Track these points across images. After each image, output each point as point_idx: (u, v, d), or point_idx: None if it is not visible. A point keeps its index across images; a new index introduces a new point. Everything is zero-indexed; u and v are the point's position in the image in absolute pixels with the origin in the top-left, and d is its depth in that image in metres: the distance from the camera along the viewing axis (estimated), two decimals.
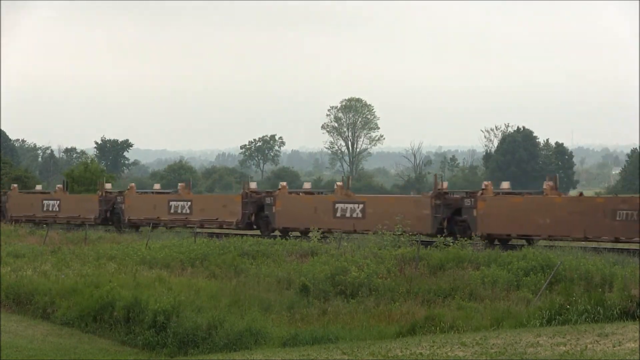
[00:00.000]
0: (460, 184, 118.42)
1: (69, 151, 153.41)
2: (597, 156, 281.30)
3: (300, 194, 45.01)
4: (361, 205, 40.23)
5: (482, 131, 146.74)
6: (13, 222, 53.19)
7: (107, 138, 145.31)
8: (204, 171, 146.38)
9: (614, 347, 14.29)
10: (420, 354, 15.30)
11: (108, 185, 53.49)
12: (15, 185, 57.47)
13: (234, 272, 29.30)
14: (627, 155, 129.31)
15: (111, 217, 51.35)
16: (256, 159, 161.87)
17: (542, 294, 23.32)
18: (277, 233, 42.91)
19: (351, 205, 40.55)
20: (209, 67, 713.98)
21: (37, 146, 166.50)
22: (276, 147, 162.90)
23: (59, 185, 56.58)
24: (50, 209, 54.34)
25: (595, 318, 18.68)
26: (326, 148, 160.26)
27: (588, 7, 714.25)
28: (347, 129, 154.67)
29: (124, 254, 33.46)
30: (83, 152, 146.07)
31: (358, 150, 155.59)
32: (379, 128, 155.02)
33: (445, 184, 39.24)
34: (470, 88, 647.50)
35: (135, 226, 50.04)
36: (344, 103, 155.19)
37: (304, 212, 41.96)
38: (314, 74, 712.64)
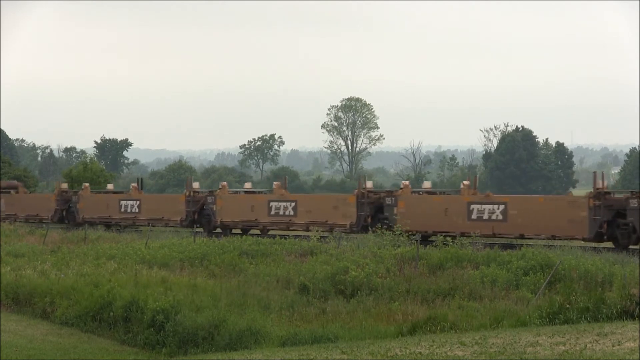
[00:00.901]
0: (460, 183, 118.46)
1: (69, 151, 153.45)
2: (596, 156, 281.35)
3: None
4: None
5: (482, 131, 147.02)
6: (86, 225, 48.78)
7: (107, 137, 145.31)
8: (204, 171, 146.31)
9: (613, 346, 14.29)
10: (420, 353, 15.30)
11: (196, 185, 49.27)
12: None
13: (234, 272, 29.31)
14: (627, 154, 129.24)
15: (199, 219, 46.88)
16: (255, 158, 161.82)
17: (541, 294, 23.32)
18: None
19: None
20: (208, 67, 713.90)
21: (37, 146, 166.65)
22: (275, 147, 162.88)
23: (133, 184, 52.15)
24: (129, 210, 50.36)
25: (595, 317, 18.69)
26: (325, 147, 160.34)
27: (588, 7, 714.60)
28: (347, 129, 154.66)
29: (123, 253, 33.47)
30: (82, 152, 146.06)
31: (357, 149, 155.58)
32: (378, 128, 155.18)
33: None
34: (470, 88, 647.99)
35: (226, 229, 45.48)
36: (343, 102, 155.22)
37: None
38: (314, 73, 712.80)
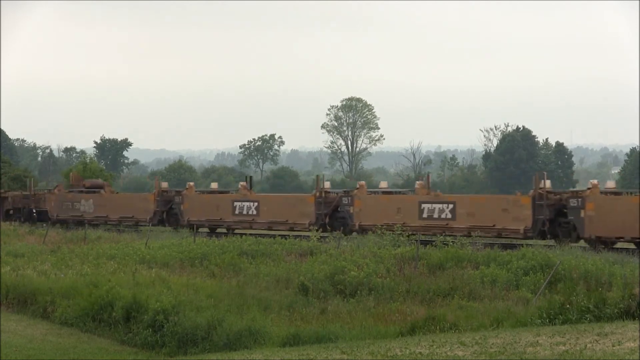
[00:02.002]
0: (460, 183, 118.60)
1: (69, 150, 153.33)
2: (596, 155, 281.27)
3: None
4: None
5: (482, 131, 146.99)
6: (193, 228, 44.84)
7: (107, 137, 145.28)
8: (203, 171, 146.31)
9: (613, 346, 14.28)
10: (420, 353, 15.29)
11: (328, 185, 45.80)
12: (192, 183, 50.42)
13: (233, 272, 29.30)
14: (626, 154, 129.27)
15: (331, 221, 42.97)
16: (255, 158, 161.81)
17: (541, 294, 23.32)
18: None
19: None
20: (208, 67, 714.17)
21: (37, 145, 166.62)
22: (275, 147, 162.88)
23: (242, 183, 47.66)
24: (246, 211, 45.70)
25: (595, 317, 18.69)
26: (326, 147, 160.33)
27: (588, 7, 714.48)
28: (347, 129, 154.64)
29: (123, 253, 33.47)
30: (82, 152, 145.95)
31: (358, 149, 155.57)
32: (379, 128, 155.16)
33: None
34: (470, 88, 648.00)
35: (365, 232, 40.69)
36: (344, 102, 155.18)
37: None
38: (314, 73, 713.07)
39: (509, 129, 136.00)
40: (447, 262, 28.19)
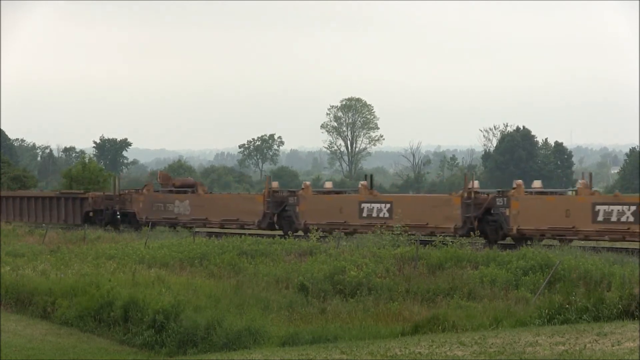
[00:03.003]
0: (460, 183, 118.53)
1: (68, 150, 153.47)
2: (595, 155, 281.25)
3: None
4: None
5: (481, 130, 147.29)
6: (309, 232, 39.35)
7: (106, 137, 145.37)
8: (203, 170, 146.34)
9: (612, 346, 14.28)
10: (419, 353, 15.29)
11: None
12: (308, 182, 46.00)
13: (233, 272, 29.30)
14: (626, 154, 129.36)
15: (481, 225, 37.72)
16: (255, 158, 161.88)
17: (540, 293, 23.32)
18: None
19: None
20: (208, 67, 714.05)
21: (36, 145, 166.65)
22: (275, 147, 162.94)
23: (362, 182, 42.45)
24: (376, 214, 40.21)
25: (595, 317, 18.69)
26: (325, 148, 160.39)
27: (588, 7, 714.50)
28: (347, 129, 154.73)
29: (123, 253, 33.47)
30: (82, 152, 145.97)
31: (357, 149, 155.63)
32: (378, 128, 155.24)
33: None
34: (470, 88, 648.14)
35: (525, 239, 36.22)
36: (343, 102, 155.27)
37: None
38: (314, 73, 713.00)
39: (509, 128, 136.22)
40: (447, 262, 28.19)
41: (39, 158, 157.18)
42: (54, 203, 53.82)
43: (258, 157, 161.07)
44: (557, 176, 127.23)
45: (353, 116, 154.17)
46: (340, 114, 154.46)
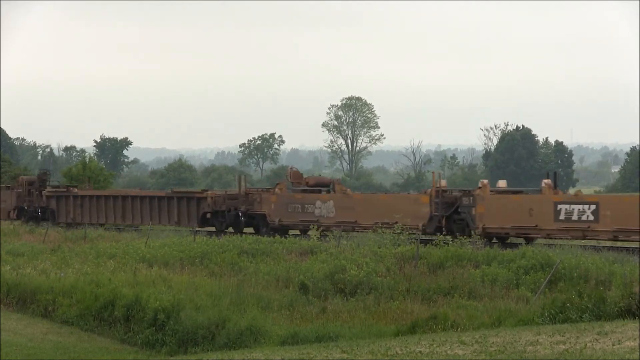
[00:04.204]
0: (460, 182, 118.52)
1: (69, 149, 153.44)
2: (596, 154, 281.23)
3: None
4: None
5: (482, 130, 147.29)
6: (489, 238, 36.17)
7: (107, 136, 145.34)
8: (203, 170, 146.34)
9: (613, 345, 14.28)
10: (420, 352, 15.29)
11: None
12: (486, 180, 40.12)
13: (233, 271, 29.30)
14: (627, 153, 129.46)
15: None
16: (255, 157, 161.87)
17: (541, 293, 23.32)
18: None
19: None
20: (208, 66, 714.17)
21: (37, 144, 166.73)
22: (275, 146, 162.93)
23: (546, 181, 37.82)
24: (577, 217, 34.80)
25: (595, 316, 18.69)
26: (326, 146, 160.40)
27: (588, 6, 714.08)
28: (347, 128, 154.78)
29: (123, 252, 33.46)
30: (83, 151, 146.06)
31: (358, 148, 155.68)
32: (379, 127, 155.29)
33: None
34: (470, 87, 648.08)
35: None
36: (344, 101, 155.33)
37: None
38: (314, 72, 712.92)
39: (509, 128, 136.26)
40: (447, 261, 28.18)
41: (39, 157, 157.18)
42: (163, 204, 47.59)
43: (259, 156, 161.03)
44: (558, 175, 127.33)
45: (353, 115, 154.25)
46: (340, 112, 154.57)
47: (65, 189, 54.61)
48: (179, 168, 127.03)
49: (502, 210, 36.27)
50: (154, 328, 23.10)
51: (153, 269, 29.85)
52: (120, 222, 49.77)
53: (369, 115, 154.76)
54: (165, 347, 22.47)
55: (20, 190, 55.72)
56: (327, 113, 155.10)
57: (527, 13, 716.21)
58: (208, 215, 45.77)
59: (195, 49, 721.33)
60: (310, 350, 17.25)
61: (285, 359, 16.45)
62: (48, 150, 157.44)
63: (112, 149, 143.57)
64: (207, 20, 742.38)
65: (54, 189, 54.89)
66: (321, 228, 38.88)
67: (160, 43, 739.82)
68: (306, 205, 42.57)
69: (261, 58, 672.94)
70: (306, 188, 44.34)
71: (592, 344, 14.51)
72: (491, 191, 37.44)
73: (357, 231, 39.96)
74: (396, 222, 36.88)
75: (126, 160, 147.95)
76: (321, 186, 44.69)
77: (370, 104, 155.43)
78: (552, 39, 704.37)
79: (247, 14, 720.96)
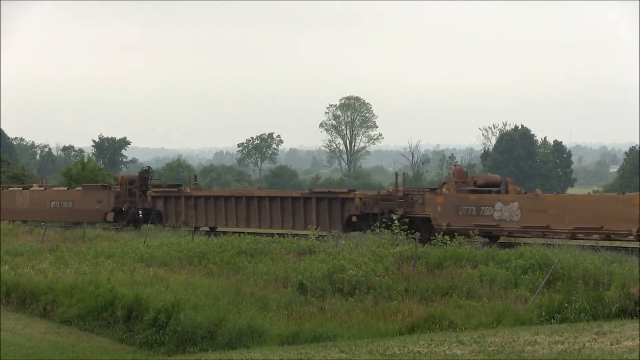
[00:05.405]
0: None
1: (67, 149, 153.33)
2: (595, 154, 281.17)
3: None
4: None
5: (480, 129, 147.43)
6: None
7: (105, 136, 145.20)
8: (202, 169, 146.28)
9: (611, 345, 14.29)
10: (418, 352, 15.30)
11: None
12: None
13: (232, 271, 29.29)
14: (625, 153, 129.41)
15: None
16: (254, 157, 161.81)
17: (540, 292, 23.32)
18: None
19: None
20: (208, 66, 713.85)
21: (35, 144, 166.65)
22: (274, 145, 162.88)
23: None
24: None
25: (594, 316, 18.70)
26: (324, 146, 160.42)
27: (588, 6, 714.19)
28: (346, 127, 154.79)
29: (122, 252, 33.44)
30: (81, 150, 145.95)
31: (356, 148, 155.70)
32: (377, 127, 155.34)
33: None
34: (469, 87, 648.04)
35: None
36: (342, 101, 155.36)
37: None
38: (314, 72, 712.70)
39: (508, 127, 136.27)
40: (446, 260, 28.17)
41: (38, 157, 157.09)
42: (298, 205, 42.68)
43: (257, 155, 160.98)
44: (557, 175, 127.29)
45: (352, 115, 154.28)
46: (339, 112, 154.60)
47: (176, 189, 49.03)
48: (177, 168, 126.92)
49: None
50: (153, 328, 23.10)
51: (151, 268, 29.82)
52: (245, 225, 44.53)
53: (367, 115, 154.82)
54: (163, 347, 22.46)
55: (120, 190, 50.60)
56: (326, 113, 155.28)
57: (527, 13, 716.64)
58: (354, 218, 40.63)
59: (195, 49, 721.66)
60: (308, 350, 17.26)
61: (283, 359, 16.46)
62: (46, 149, 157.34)
63: (110, 148, 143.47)
64: (207, 20, 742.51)
65: (160, 189, 49.33)
66: (503, 234, 35.40)
67: (160, 43, 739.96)
68: (482, 208, 36.80)
69: (261, 58, 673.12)
70: (469, 188, 38.58)
71: (591, 344, 14.52)
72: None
73: (549, 237, 34.74)
74: (601, 227, 33.08)
75: (124, 160, 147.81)
76: (490, 186, 39.15)
77: (368, 104, 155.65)
78: (552, 39, 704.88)
79: (247, 14, 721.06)
